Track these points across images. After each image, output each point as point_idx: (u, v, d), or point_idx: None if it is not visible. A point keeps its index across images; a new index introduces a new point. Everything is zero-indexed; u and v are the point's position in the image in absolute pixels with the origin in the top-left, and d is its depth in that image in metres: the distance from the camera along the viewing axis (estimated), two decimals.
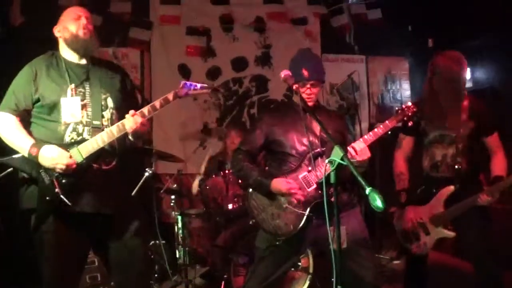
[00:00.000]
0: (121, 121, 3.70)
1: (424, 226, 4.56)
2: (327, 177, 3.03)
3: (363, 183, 2.67)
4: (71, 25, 3.79)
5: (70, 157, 3.55)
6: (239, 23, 8.42)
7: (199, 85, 3.89)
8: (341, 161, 2.86)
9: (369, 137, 3.94)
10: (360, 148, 3.85)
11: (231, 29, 8.42)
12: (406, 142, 4.75)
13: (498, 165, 4.46)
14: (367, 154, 3.87)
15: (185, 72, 8.09)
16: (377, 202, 2.58)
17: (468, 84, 7.75)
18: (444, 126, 4.52)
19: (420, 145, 4.70)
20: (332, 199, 3.25)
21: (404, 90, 9.30)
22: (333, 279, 5.62)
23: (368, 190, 2.62)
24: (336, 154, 2.88)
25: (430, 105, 4.31)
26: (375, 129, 3.99)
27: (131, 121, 3.67)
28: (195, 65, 8.19)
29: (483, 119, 4.48)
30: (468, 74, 7.69)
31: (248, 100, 8.52)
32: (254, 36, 8.56)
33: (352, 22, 8.85)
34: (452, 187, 4.45)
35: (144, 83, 7.86)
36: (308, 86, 4.04)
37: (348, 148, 3.87)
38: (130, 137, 3.80)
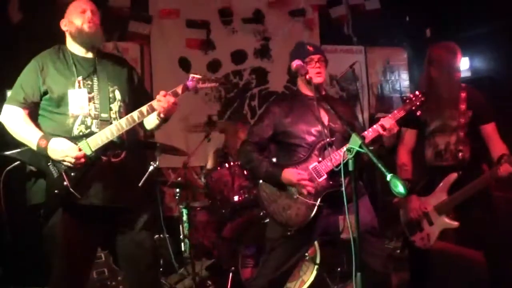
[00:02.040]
0: (136, 111, 3.72)
1: (427, 215, 4.58)
2: (345, 165, 3.03)
3: (383, 170, 2.67)
4: (76, 19, 3.78)
5: (79, 150, 3.55)
6: (238, 16, 8.41)
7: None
8: (359, 149, 2.85)
9: (377, 127, 3.94)
10: (389, 125, 3.89)
11: (230, 22, 8.40)
12: (408, 135, 4.76)
13: (499, 148, 4.43)
14: (395, 129, 3.93)
15: (185, 65, 8.05)
16: (399, 188, 2.57)
17: (467, 74, 7.78)
18: (444, 116, 4.55)
19: (421, 137, 4.72)
20: (342, 189, 3.27)
21: (403, 80, 9.33)
22: (339, 269, 5.72)
23: (389, 176, 2.61)
24: (354, 142, 2.87)
25: (428, 96, 4.31)
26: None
27: (164, 101, 3.68)
28: (196, 58, 8.15)
29: (480, 107, 4.51)
30: (467, 63, 7.73)
31: (249, 93, 8.51)
32: (253, 29, 8.55)
33: (350, 13, 8.85)
34: (455, 174, 4.47)
35: (144, 76, 7.80)
36: (316, 60, 4.08)
37: (377, 125, 3.92)
38: (156, 119, 3.84)
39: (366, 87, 9.11)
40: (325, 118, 4.08)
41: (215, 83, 4.01)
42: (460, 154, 4.47)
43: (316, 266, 5.56)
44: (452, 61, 4.51)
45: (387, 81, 9.27)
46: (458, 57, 4.53)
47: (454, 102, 4.52)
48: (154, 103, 3.70)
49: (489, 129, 4.50)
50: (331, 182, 3.92)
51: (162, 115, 3.77)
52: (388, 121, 3.91)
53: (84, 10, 3.79)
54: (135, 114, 3.71)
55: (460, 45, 4.60)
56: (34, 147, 3.57)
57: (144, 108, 3.70)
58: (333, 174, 3.90)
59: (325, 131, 4.01)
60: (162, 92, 3.72)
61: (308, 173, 3.93)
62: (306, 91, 4.16)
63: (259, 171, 4.06)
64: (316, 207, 3.90)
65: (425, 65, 4.67)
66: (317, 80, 4.05)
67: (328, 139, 3.98)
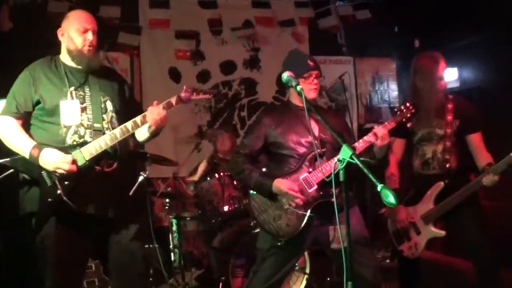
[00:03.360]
0: (131, 121, 3.74)
1: (415, 225, 4.60)
2: (335, 176, 3.04)
3: (374, 180, 2.67)
4: (76, 38, 3.76)
5: (73, 160, 3.56)
6: (227, 27, 8.44)
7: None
8: (350, 160, 2.86)
9: (369, 138, 3.97)
10: (381, 133, 3.91)
11: (220, 32, 8.43)
12: (396, 145, 4.77)
13: (484, 157, 4.43)
14: (387, 139, 3.94)
15: (175, 76, 8.11)
16: (390, 198, 2.58)
17: (456, 84, 7.82)
18: (430, 125, 4.58)
19: (409, 146, 4.74)
20: (333, 199, 3.29)
21: (391, 91, 9.35)
22: (329, 279, 5.73)
23: (380, 187, 2.61)
24: (345, 152, 2.88)
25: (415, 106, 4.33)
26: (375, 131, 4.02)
27: (155, 112, 3.70)
28: (185, 69, 8.20)
29: (467, 116, 4.52)
30: (455, 74, 7.77)
31: (238, 103, 8.54)
32: (243, 39, 8.58)
33: (340, 24, 8.89)
34: (441, 183, 4.49)
35: (134, 87, 7.80)
36: (314, 76, 4.09)
37: (369, 134, 3.95)
38: (147, 132, 3.86)
39: (355, 97, 9.12)
40: (315, 129, 4.08)
41: (209, 95, 4.05)
42: (447, 163, 4.50)
43: (305, 276, 5.58)
44: (435, 70, 4.53)
45: (376, 91, 9.29)
46: (441, 66, 4.55)
47: (440, 111, 4.55)
48: (147, 113, 3.73)
49: (475, 139, 4.52)
50: (321, 193, 3.93)
51: (152, 128, 3.79)
52: (381, 130, 3.93)
53: (86, 30, 3.77)
54: (129, 124, 3.72)
55: (449, 56, 4.64)
56: (27, 156, 3.58)
57: (138, 118, 3.73)
58: (323, 185, 3.91)
59: (316, 142, 4.01)
60: (154, 102, 3.74)
61: (299, 184, 3.94)
62: (297, 101, 4.15)
63: (250, 181, 4.06)
64: (306, 218, 3.91)
65: (411, 75, 4.71)
66: (312, 95, 4.06)
67: (318, 150, 3.97)
